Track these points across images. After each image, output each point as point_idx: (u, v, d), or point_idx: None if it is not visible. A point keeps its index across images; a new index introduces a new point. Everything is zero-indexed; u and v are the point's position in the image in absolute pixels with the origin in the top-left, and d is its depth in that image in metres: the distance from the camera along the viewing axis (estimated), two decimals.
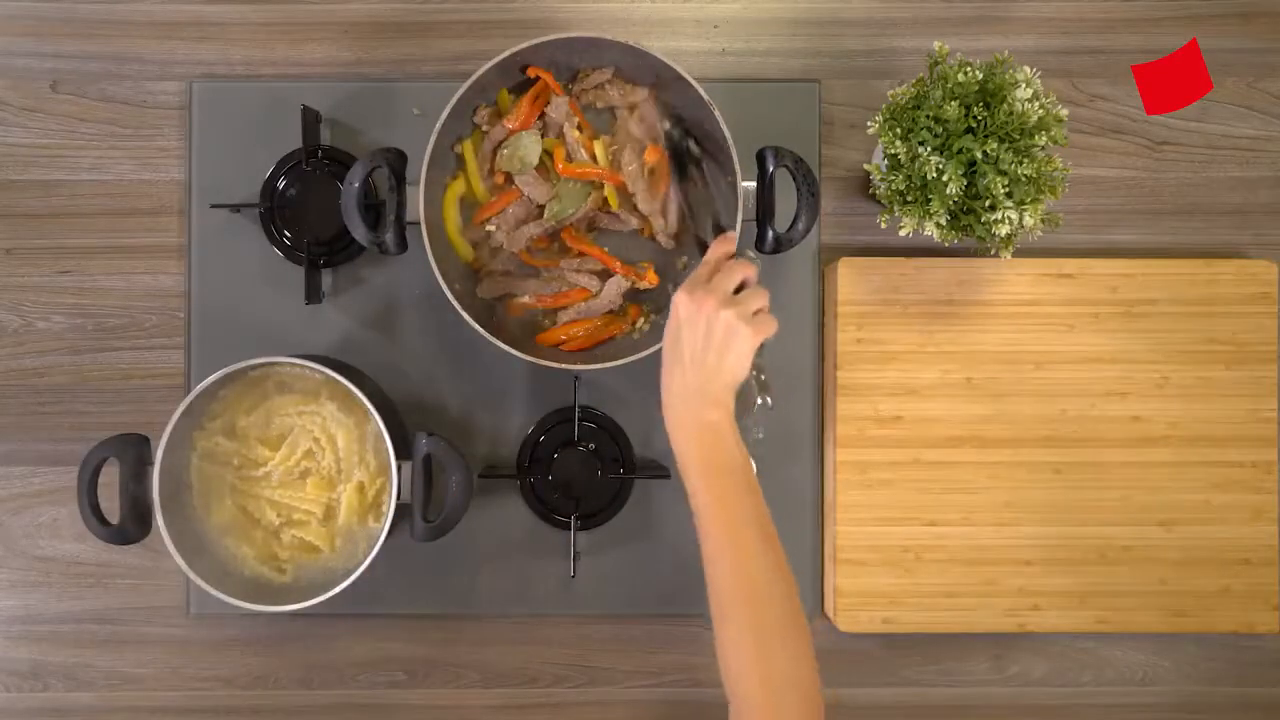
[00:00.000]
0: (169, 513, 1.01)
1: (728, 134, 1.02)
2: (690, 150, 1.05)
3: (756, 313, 0.91)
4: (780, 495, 1.13)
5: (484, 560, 1.14)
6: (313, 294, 1.12)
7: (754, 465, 0.90)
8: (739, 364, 0.89)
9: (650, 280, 1.09)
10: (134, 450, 1.00)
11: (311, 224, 1.12)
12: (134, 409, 1.15)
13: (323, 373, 1.02)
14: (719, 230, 1.00)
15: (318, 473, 1.06)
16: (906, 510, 1.11)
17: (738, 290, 0.93)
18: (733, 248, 0.97)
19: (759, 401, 1.02)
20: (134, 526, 0.99)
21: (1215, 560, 1.11)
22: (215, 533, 1.06)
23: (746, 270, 0.94)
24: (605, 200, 1.09)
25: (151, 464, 1.00)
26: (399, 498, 1.01)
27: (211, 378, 1.00)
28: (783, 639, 0.84)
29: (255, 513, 1.07)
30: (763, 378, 1.00)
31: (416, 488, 1.00)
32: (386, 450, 1.01)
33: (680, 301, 0.91)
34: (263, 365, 1.03)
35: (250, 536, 1.06)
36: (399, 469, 1.00)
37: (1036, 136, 0.96)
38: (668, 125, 1.07)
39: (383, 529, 1.01)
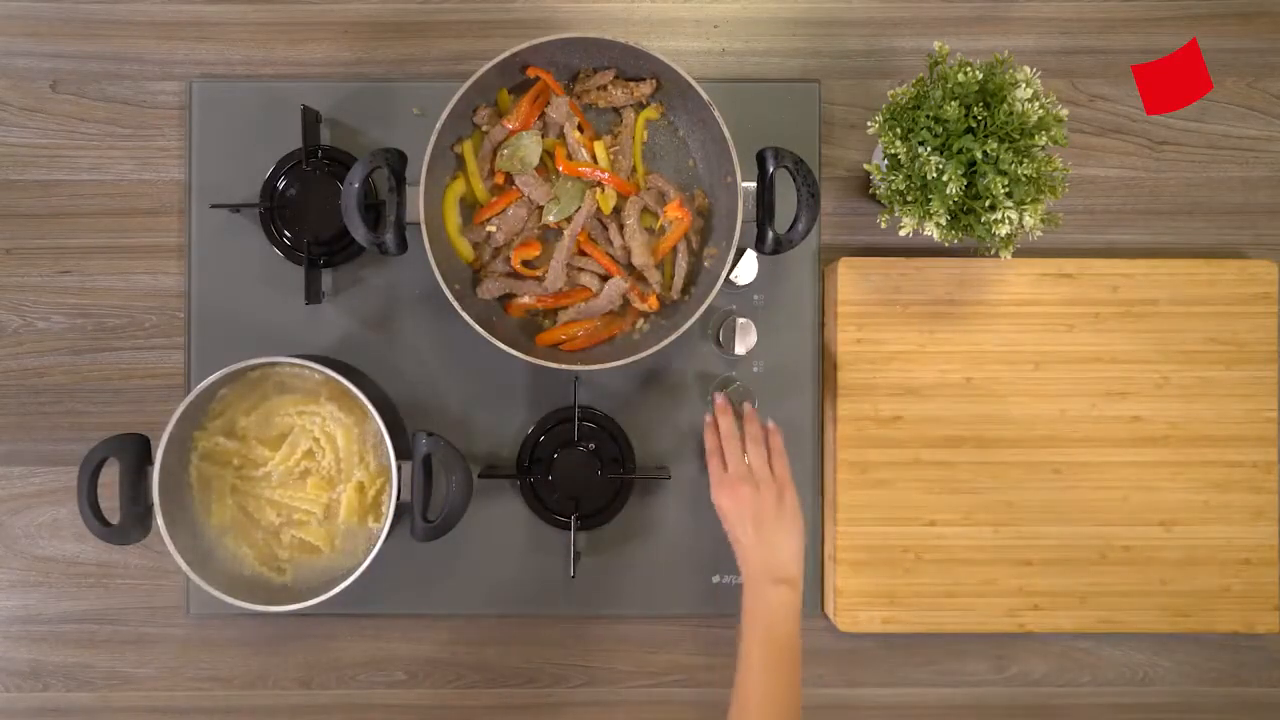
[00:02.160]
0: (169, 513, 1.01)
1: (728, 134, 1.02)
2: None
3: (777, 469, 1.04)
4: None
5: (484, 560, 1.14)
6: (313, 294, 1.12)
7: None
8: (795, 526, 1.02)
9: (651, 305, 1.09)
10: (134, 450, 1.00)
11: (311, 224, 1.12)
12: (134, 409, 1.15)
13: (323, 373, 1.02)
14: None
15: (318, 473, 1.06)
16: (906, 510, 1.11)
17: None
18: (730, 412, 1.08)
19: None
20: (134, 526, 0.99)
21: (1215, 560, 1.11)
22: (215, 533, 1.06)
23: (753, 426, 1.06)
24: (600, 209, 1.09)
25: (151, 464, 1.00)
26: (399, 498, 1.01)
27: (211, 378, 1.00)
28: None
29: (255, 513, 1.07)
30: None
31: (416, 488, 1.00)
32: (386, 450, 1.01)
33: (723, 507, 1.03)
34: (263, 365, 1.03)
35: (250, 536, 1.06)
36: (399, 469, 1.00)
37: (1036, 136, 0.95)
38: None
39: (383, 529, 1.01)
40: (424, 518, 1.00)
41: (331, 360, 1.09)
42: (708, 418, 1.10)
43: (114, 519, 0.99)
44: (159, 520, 1.00)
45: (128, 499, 0.99)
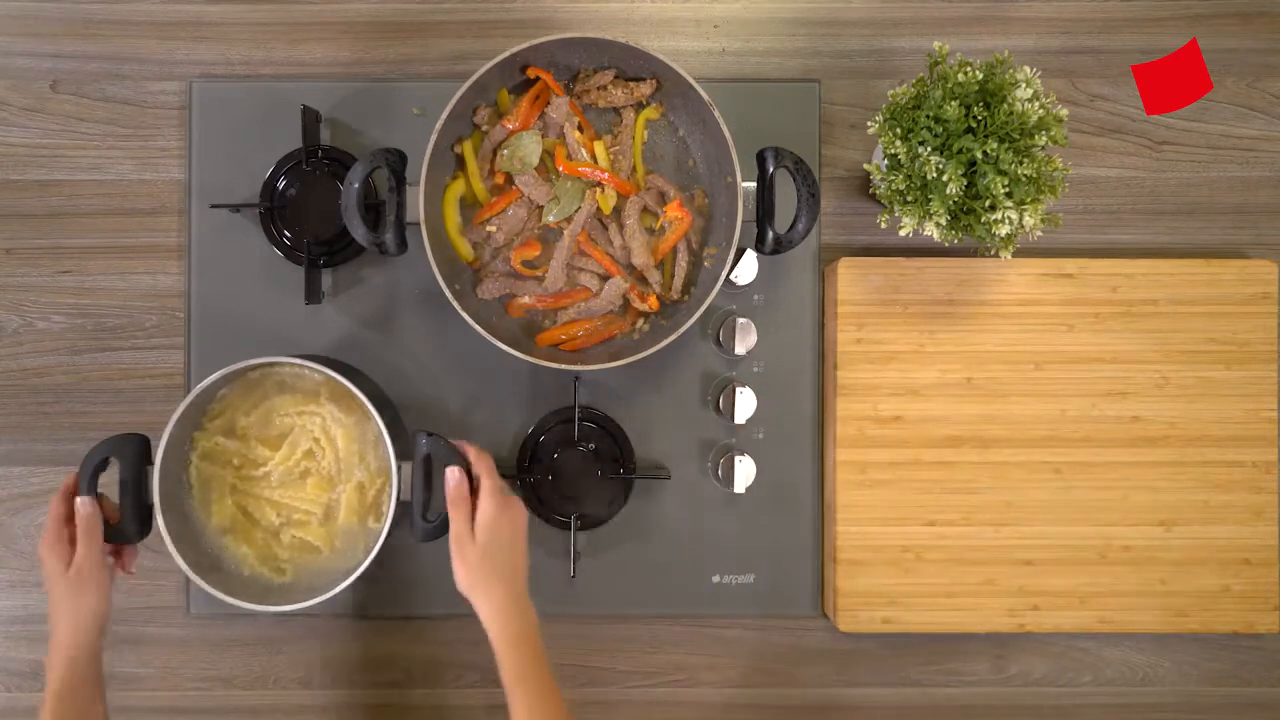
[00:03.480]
0: (169, 513, 1.01)
1: (728, 134, 1.02)
2: None
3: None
4: (780, 495, 1.14)
5: None
6: (313, 294, 1.12)
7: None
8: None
9: (651, 305, 1.09)
10: (134, 450, 1.00)
11: (311, 224, 1.12)
12: (134, 409, 1.15)
13: (323, 373, 1.03)
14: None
15: (318, 473, 1.06)
16: (906, 510, 1.11)
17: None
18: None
19: None
20: (134, 526, 0.99)
21: (1215, 560, 1.11)
22: (215, 533, 1.06)
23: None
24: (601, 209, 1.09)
25: (151, 464, 1.00)
26: (399, 497, 1.01)
27: (211, 378, 1.00)
28: None
29: (255, 513, 1.07)
30: None
31: (416, 488, 1.00)
32: (386, 450, 1.01)
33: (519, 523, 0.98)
34: (263, 365, 1.04)
35: (250, 536, 1.06)
36: (399, 469, 1.00)
37: (1036, 136, 0.96)
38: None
39: (383, 529, 1.01)
40: (424, 518, 1.00)
41: (331, 360, 1.09)
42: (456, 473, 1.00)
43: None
44: (159, 520, 1.00)
45: (128, 499, 0.99)
